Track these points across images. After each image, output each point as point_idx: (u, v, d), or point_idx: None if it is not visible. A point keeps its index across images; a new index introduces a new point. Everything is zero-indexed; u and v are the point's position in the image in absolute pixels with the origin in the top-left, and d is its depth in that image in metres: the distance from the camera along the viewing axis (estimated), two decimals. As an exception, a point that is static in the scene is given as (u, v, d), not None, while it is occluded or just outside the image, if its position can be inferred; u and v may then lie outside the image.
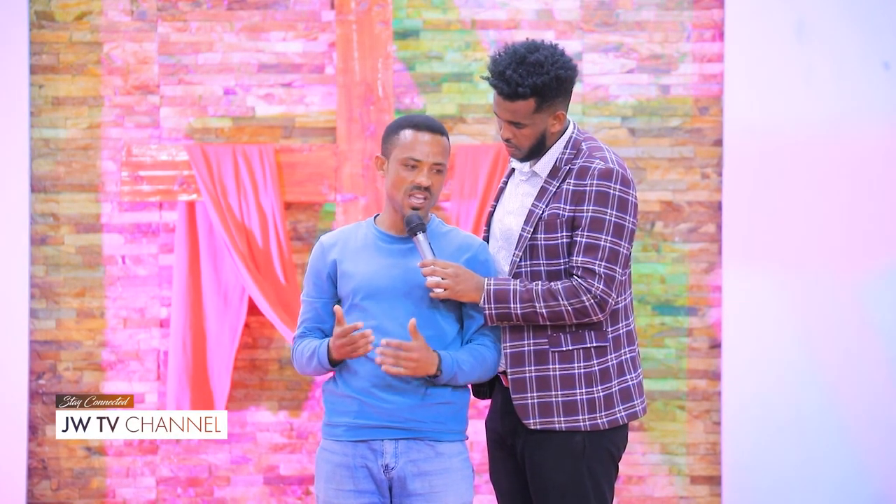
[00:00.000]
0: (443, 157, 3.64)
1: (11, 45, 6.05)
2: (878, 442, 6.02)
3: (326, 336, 3.73)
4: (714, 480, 6.15)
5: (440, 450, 3.63)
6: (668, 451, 6.16)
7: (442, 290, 3.56)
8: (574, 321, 3.60)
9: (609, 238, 3.60)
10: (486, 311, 3.61)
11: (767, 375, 6.02)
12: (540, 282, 3.61)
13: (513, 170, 3.84)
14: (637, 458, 6.14)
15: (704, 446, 6.16)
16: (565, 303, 3.57)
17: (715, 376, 6.15)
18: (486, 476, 3.93)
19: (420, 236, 3.60)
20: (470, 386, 3.81)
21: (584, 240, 3.60)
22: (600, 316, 3.60)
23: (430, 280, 3.56)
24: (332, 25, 6.13)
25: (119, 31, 6.15)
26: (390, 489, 3.63)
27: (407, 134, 3.63)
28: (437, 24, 6.18)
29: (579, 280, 3.58)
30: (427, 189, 3.61)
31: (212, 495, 6.15)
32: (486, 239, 3.83)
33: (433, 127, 3.63)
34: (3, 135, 6.05)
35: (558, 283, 3.60)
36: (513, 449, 3.76)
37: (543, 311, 3.58)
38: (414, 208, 3.61)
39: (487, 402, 3.92)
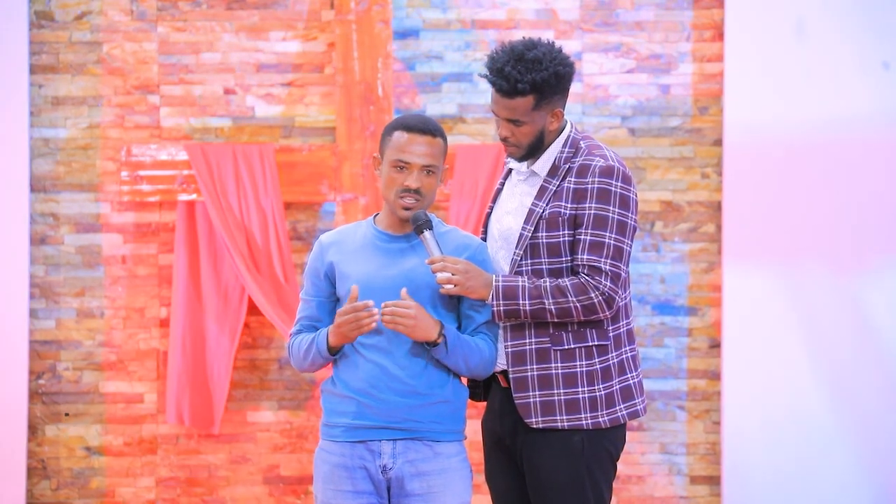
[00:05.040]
0: (434, 158, 3.62)
1: (11, 45, 6.05)
2: (878, 441, 6.02)
3: None
4: (714, 480, 6.15)
5: (438, 450, 3.63)
6: (668, 450, 6.15)
7: (452, 285, 3.56)
8: (582, 318, 3.60)
9: (613, 235, 3.60)
10: (495, 308, 3.61)
11: (767, 375, 6.02)
12: (547, 279, 3.62)
13: (509, 171, 3.84)
14: (637, 457, 6.14)
15: (704, 446, 6.16)
16: (574, 299, 3.58)
17: (715, 376, 6.15)
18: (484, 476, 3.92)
19: (427, 234, 3.59)
20: (467, 386, 3.81)
21: (587, 237, 3.60)
22: (607, 313, 3.61)
23: (441, 276, 3.55)
24: (331, 25, 6.13)
25: (119, 31, 6.15)
26: (388, 489, 3.63)
27: (399, 135, 3.62)
28: (436, 24, 6.18)
29: (586, 277, 3.59)
30: (417, 191, 3.60)
31: (211, 495, 6.15)
32: (484, 240, 3.83)
33: (425, 128, 3.61)
34: (3, 135, 6.05)
35: (566, 279, 3.60)
36: (510, 449, 3.76)
37: (552, 307, 3.58)
38: (405, 209, 3.61)
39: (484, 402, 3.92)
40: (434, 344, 3.56)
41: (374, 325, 3.53)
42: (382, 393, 3.60)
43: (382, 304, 3.53)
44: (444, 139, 3.66)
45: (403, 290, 3.55)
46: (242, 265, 5.90)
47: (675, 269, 6.17)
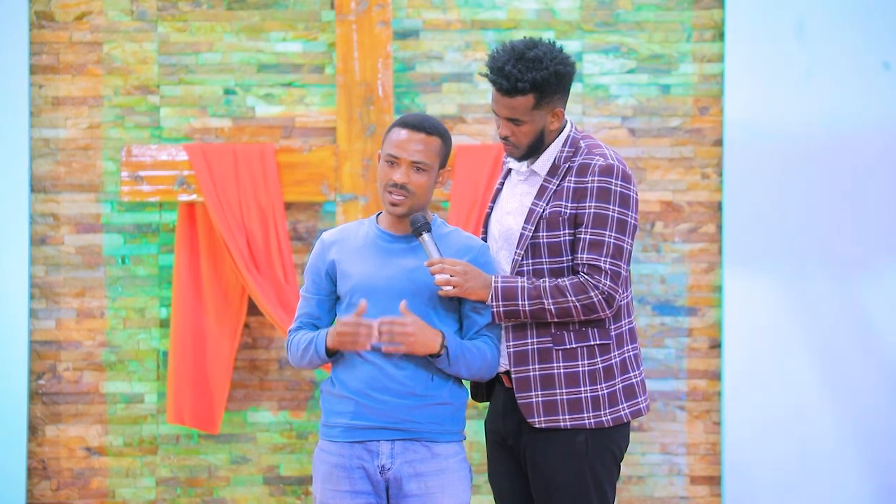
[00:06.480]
0: (426, 156, 3.62)
1: (11, 45, 6.05)
2: (878, 442, 6.02)
3: None
4: (714, 480, 6.15)
5: (436, 451, 3.63)
6: (668, 451, 6.15)
7: (451, 287, 3.56)
8: (582, 317, 3.61)
9: (613, 234, 3.61)
10: (495, 309, 3.61)
11: (767, 375, 6.02)
12: (546, 279, 3.62)
13: (509, 170, 3.85)
14: (637, 458, 6.14)
15: (704, 446, 6.16)
16: (573, 299, 3.58)
17: (715, 376, 6.15)
18: (487, 476, 3.93)
19: (425, 236, 3.60)
20: (469, 387, 3.82)
21: (587, 236, 3.61)
22: (608, 312, 3.61)
23: (440, 278, 3.56)
24: (332, 25, 6.13)
25: (119, 31, 6.15)
26: (387, 490, 3.64)
27: (396, 132, 3.65)
28: (437, 24, 6.18)
29: (586, 276, 3.59)
30: (403, 187, 3.61)
31: (212, 495, 6.15)
32: (484, 240, 3.83)
33: (421, 126, 3.63)
34: (3, 135, 6.05)
35: (565, 279, 3.61)
36: (514, 450, 3.76)
37: (552, 307, 3.59)
38: (392, 205, 3.62)
39: (486, 403, 3.92)
40: (436, 356, 3.57)
41: (369, 347, 3.54)
42: (380, 394, 3.60)
43: (379, 321, 3.53)
44: (443, 139, 3.65)
45: (402, 304, 3.54)
46: (242, 265, 5.90)
47: (675, 270, 6.17)
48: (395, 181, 3.60)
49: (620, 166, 3.65)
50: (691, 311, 6.16)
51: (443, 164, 3.67)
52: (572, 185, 3.65)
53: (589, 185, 3.63)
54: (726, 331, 6.04)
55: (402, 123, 3.65)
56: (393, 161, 3.62)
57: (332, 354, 3.64)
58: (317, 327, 3.73)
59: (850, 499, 6.02)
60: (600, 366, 3.66)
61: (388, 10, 6.00)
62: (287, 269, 5.95)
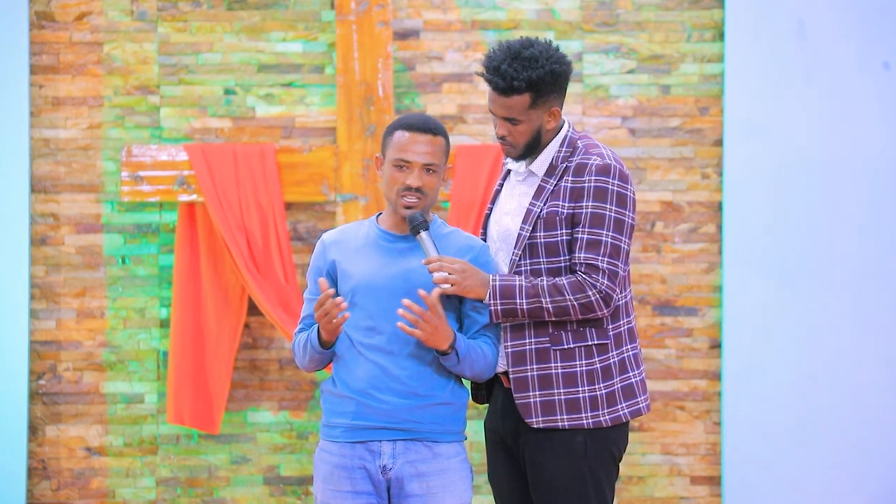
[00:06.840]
0: (436, 157, 3.63)
1: (11, 45, 6.05)
2: (878, 442, 6.02)
3: None
4: (714, 480, 6.15)
5: (438, 451, 3.63)
6: (668, 451, 6.15)
7: (449, 285, 3.57)
8: (580, 316, 3.61)
9: (610, 234, 3.61)
10: (492, 307, 3.61)
11: (767, 375, 6.02)
12: (544, 278, 3.62)
13: (508, 171, 3.85)
14: (637, 458, 6.14)
15: (704, 446, 6.16)
16: (571, 298, 3.58)
17: (715, 376, 6.15)
18: (487, 476, 3.93)
19: (423, 234, 3.60)
20: (469, 388, 3.82)
21: (585, 236, 3.61)
22: (605, 311, 3.61)
23: (438, 276, 3.56)
24: (332, 25, 6.13)
25: (119, 31, 6.15)
26: (388, 490, 3.64)
27: (400, 135, 3.64)
28: (437, 24, 6.18)
29: (584, 276, 3.59)
30: (418, 190, 3.61)
31: (212, 495, 6.15)
32: (484, 241, 3.83)
33: (426, 127, 3.63)
34: (3, 135, 6.05)
35: (563, 278, 3.61)
36: (513, 450, 3.76)
37: (549, 306, 3.59)
38: (407, 208, 3.62)
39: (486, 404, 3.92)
40: (445, 353, 3.57)
41: (346, 315, 3.54)
42: (382, 393, 3.60)
43: (405, 303, 3.52)
44: (446, 138, 3.67)
45: (435, 292, 3.53)
46: (242, 265, 5.90)
47: (675, 269, 6.17)
48: (411, 185, 3.60)
49: (617, 166, 3.65)
50: (691, 311, 6.16)
51: (445, 162, 3.69)
52: (569, 184, 3.65)
53: (586, 184, 3.63)
54: (726, 331, 6.04)
55: (407, 126, 3.64)
56: (404, 165, 3.61)
57: (328, 347, 3.64)
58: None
59: (850, 499, 6.01)
60: (598, 366, 3.66)
61: (388, 10, 6.00)
62: (287, 269, 5.95)
